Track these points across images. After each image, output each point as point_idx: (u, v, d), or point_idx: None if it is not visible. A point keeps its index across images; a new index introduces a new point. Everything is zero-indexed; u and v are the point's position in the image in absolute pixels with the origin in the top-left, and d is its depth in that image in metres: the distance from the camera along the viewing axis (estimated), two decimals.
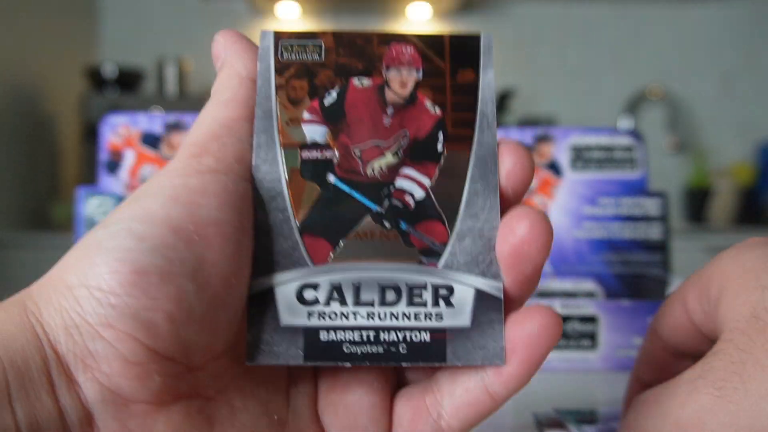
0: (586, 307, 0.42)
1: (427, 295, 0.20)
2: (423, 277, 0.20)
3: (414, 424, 0.20)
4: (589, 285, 0.53)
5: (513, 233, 0.20)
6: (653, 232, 0.53)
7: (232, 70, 0.22)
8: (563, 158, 0.54)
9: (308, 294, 0.20)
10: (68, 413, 0.17)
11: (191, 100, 1.87)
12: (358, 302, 0.20)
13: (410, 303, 0.20)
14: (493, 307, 0.20)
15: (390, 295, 0.20)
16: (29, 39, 1.78)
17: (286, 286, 0.20)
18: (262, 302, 0.20)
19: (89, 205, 0.49)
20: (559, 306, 0.43)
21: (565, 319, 0.42)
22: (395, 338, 0.20)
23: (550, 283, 0.53)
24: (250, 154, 0.21)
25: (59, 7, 1.95)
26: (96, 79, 1.86)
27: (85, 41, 2.11)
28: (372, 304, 0.20)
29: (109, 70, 1.84)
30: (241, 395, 0.20)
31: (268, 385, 0.21)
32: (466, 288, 0.20)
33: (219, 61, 0.23)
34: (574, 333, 0.42)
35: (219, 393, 0.19)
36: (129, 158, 0.49)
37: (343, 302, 0.20)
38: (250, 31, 2.17)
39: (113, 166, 0.49)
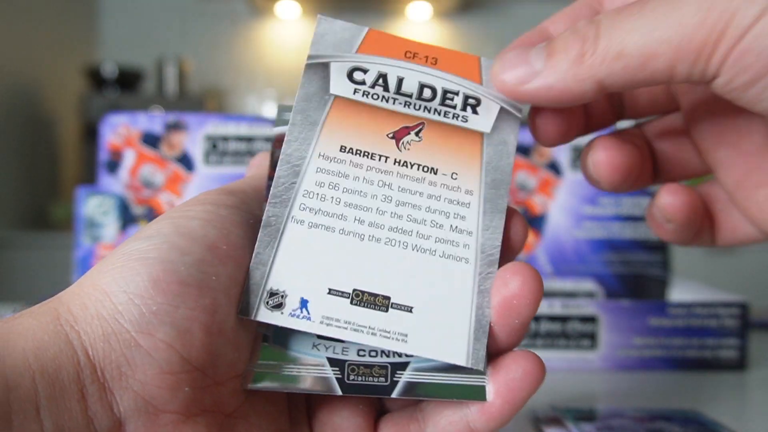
0: (586, 307, 0.42)
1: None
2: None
3: None
4: (589, 285, 0.53)
5: (506, 286, 0.21)
6: (653, 232, 0.53)
7: (263, 164, 0.25)
8: (563, 158, 0.54)
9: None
10: (98, 421, 0.17)
11: (191, 99, 1.87)
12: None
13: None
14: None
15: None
16: (29, 39, 1.78)
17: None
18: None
19: (89, 204, 0.49)
20: (559, 306, 0.43)
21: (565, 319, 0.42)
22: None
23: (550, 283, 0.53)
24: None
25: (59, 8, 1.95)
26: (96, 79, 1.86)
27: (85, 41, 2.11)
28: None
29: (109, 70, 1.84)
30: (255, 413, 0.21)
31: (275, 405, 0.22)
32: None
33: (254, 166, 0.26)
34: (574, 333, 0.42)
35: (236, 410, 0.20)
36: (129, 158, 0.50)
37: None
38: (249, 30, 2.17)
39: (113, 165, 0.49)
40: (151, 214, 0.49)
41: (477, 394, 0.20)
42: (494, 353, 0.21)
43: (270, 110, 2.17)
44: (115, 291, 0.18)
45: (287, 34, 2.19)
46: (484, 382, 0.21)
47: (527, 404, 0.35)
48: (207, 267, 0.19)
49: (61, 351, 0.17)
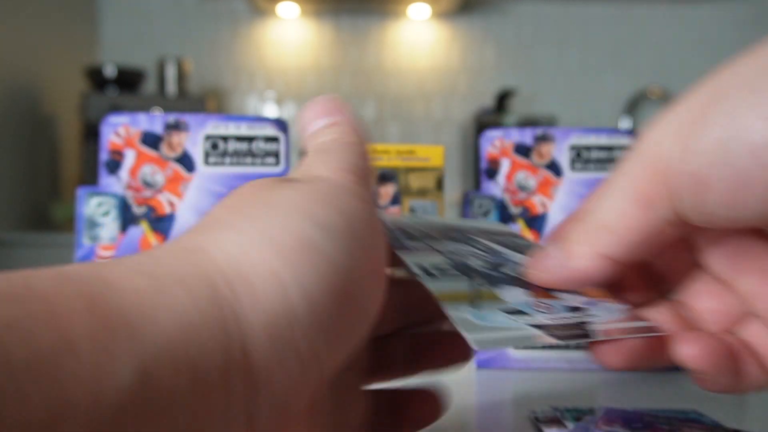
0: None
1: None
2: None
3: None
4: None
5: None
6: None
7: (350, 126, 0.23)
8: (563, 158, 0.54)
9: None
10: (231, 414, 0.16)
11: (191, 99, 1.87)
12: None
13: None
14: None
15: None
16: (30, 40, 1.78)
17: None
18: None
19: (89, 204, 0.49)
20: None
21: None
22: None
23: None
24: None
25: (60, 8, 1.95)
26: (96, 79, 1.86)
27: (85, 42, 2.11)
28: None
29: (110, 71, 1.85)
30: (327, 392, 0.22)
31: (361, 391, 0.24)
32: None
33: (333, 117, 0.23)
34: None
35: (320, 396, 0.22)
36: (129, 158, 0.50)
37: None
38: (250, 31, 2.17)
39: (114, 165, 0.50)
40: (152, 214, 0.49)
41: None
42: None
43: (270, 110, 2.17)
44: (291, 283, 0.16)
45: (287, 34, 2.19)
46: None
47: (528, 405, 0.35)
48: (365, 284, 0.18)
49: (215, 346, 0.15)
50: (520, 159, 0.54)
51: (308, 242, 0.16)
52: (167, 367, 0.14)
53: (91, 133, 1.77)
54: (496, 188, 0.54)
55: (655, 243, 0.22)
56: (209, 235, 0.17)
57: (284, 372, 0.16)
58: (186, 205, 0.50)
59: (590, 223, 0.22)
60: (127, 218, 0.49)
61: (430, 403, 0.26)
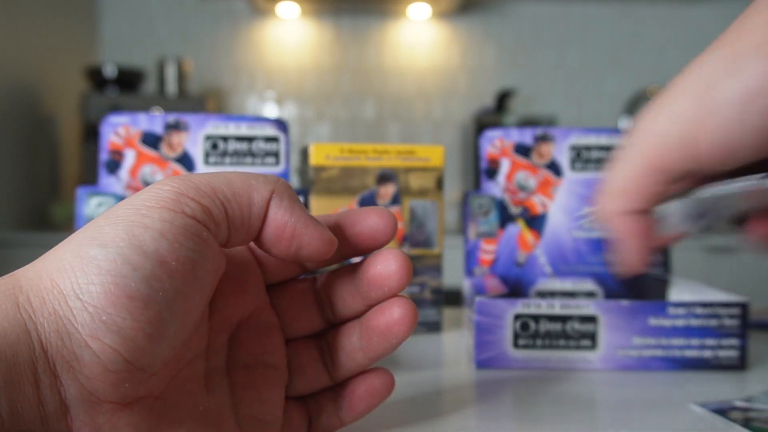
0: (586, 307, 0.42)
1: None
2: None
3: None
4: (589, 285, 0.53)
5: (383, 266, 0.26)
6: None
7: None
8: (563, 158, 0.54)
9: None
10: (47, 405, 0.20)
11: (191, 100, 1.87)
12: None
13: None
14: None
15: None
16: (30, 40, 1.78)
17: None
18: None
19: (89, 204, 0.49)
20: (558, 306, 0.43)
21: (565, 319, 0.42)
22: None
23: (550, 283, 0.53)
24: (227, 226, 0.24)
25: (60, 8, 1.95)
26: (96, 79, 1.86)
27: (85, 42, 2.11)
28: None
29: (110, 71, 1.85)
30: (177, 392, 0.24)
31: (193, 382, 0.25)
32: None
33: None
34: (574, 333, 0.42)
35: (162, 392, 0.23)
36: (129, 158, 0.50)
37: None
38: (250, 31, 2.17)
39: (113, 165, 0.50)
40: None
41: None
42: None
43: (270, 110, 2.17)
44: (71, 294, 0.20)
45: (287, 34, 2.19)
46: None
47: (528, 404, 0.35)
48: (155, 282, 0.21)
49: (20, 339, 0.19)
50: (520, 159, 0.54)
51: (86, 259, 0.21)
52: None
53: (91, 133, 1.77)
54: (496, 188, 0.54)
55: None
56: (30, 265, 0.22)
57: (78, 362, 0.20)
58: None
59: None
60: None
61: (374, 384, 0.28)
